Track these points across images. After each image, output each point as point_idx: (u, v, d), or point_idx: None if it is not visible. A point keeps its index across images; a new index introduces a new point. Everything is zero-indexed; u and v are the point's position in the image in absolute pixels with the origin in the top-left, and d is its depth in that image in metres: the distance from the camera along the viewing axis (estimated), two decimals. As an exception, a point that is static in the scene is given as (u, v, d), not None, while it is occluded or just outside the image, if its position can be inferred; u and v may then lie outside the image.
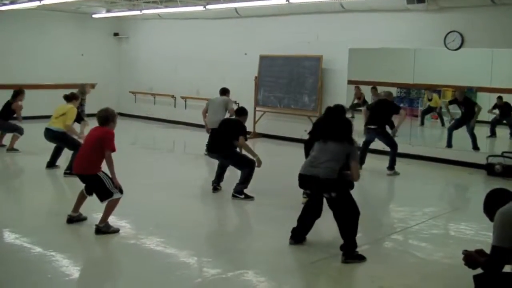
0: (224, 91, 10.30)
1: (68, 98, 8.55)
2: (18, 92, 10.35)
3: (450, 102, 11.24)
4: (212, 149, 7.70)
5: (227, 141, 7.40)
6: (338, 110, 6.21)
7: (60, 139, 8.39)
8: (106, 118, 5.68)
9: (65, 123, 8.25)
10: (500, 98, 11.04)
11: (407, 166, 9.18)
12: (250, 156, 7.37)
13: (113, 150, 5.61)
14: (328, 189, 5.07)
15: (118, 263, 5.21)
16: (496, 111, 11.23)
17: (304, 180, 5.24)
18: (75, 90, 9.41)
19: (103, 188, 5.57)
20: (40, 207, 6.74)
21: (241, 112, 7.74)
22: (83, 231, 5.85)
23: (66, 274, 4.65)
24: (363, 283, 4.90)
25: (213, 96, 10.47)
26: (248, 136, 12.24)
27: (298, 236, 5.53)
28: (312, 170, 5.13)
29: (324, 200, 5.33)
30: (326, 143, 5.19)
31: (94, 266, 5.10)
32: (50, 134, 8.36)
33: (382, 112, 9.30)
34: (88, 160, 5.63)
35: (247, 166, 7.29)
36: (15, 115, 10.37)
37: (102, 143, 5.57)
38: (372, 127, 9.33)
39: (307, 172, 5.18)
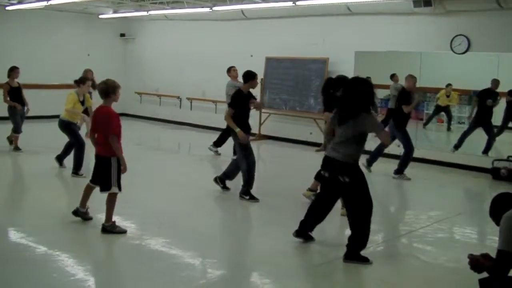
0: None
1: (76, 82, 8.57)
2: (10, 69, 10.33)
3: None
4: None
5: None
6: (352, 82, 5.24)
7: (63, 128, 8.38)
8: (105, 91, 5.56)
9: (64, 108, 8.31)
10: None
11: (411, 169, 9.16)
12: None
13: (116, 133, 5.44)
14: (343, 173, 5.06)
15: (123, 264, 5.22)
16: None
17: (327, 161, 5.26)
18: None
19: (107, 176, 5.51)
20: (45, 207, 6.73)
21: (243, 77, 7.31)
22: (88, 230, 5.86)
23: (71, 274, 4.65)
24: (368, 286, 4.90)
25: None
26: (253, 138, 12.35)
27: (303, 228, 5.51)
28: (334, 154, 5.16)
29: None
30: (340, 127, 5.16)
31: (99, 266, 5.11)
32: (58, 123, 8.41)
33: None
34: (104, 142, 5.55)
35: (241, 159, 7.23)
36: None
37: (108, 129, 5.48)
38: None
39: (330, 155, 5.21)
